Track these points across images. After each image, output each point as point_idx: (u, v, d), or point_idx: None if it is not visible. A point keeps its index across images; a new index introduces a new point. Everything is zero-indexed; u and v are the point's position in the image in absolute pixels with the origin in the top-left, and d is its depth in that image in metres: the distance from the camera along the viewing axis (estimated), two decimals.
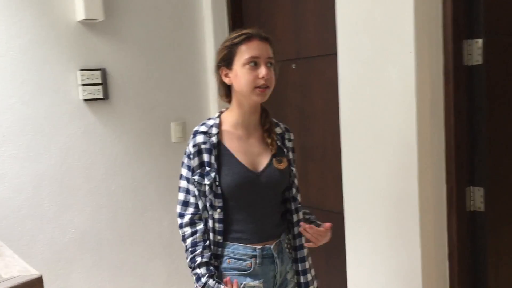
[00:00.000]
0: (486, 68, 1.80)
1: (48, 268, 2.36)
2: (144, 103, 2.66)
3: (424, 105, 1.80)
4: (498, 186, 1.91)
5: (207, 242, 1.53)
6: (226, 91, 1.61)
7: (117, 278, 2.59)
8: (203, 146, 1.53)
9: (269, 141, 1.59)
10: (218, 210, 1.52)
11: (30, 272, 1.03)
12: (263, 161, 1.57)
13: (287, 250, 1.63)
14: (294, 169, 1.64)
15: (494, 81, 1.85)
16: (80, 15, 2.37)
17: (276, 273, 1.58)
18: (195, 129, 1.58)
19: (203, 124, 1.59)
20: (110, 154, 2.54)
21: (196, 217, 1.55)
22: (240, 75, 1.51)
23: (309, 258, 1.70)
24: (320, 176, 2.47)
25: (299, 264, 1.64)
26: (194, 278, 1.51)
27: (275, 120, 1.68)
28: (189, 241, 1.54)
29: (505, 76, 1.91)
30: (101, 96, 2.49)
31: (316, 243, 1.55)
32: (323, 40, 2.35)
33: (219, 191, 1.52)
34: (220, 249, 1.55)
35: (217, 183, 1.51)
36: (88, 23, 2.45)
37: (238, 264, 1.54)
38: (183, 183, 1.57)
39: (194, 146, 1.54)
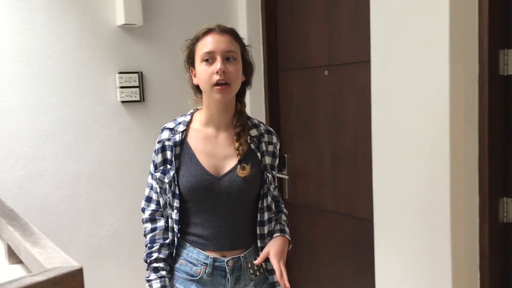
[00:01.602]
0: None
1: (83, 263, 2.42)
2: (178, 106, 2.72)
3: (458, 115, 1.79)
4: None
5: (167, 241, 1.49)
6: (199, 92, 1.53)
7: None
8: (167, 143, 1.48)
9: (236, 145, 1.47)
10: (175, 211, 1.47)
11: (71, 264, 1.08)
12: (228, 166, 1.47)
13: (250, 271, 1.51)
14: (270, 175, 1.51)
15: None
16: (120, 19, 2.46)
17: None
18: (164, 125, 1.54)
19: (174, 120, 1.54)
20: (145, 155, 2.62)
21: (157, 213, 1.51)
22: (198, 73, 1.44)
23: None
24: (350, 183, 2.47)
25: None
26: (149, 272, 1.49)
27: (256, 121, 1.57)
28: (148, 237, 1.51)
29: None
30: (137, 98, 2.57)
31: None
32: (357, 47, 2.36)
33: (177, 191, 1.46)
34: (176, 248, 1.51)
35: (175, 182, 1.46)
36: (127, 28, 2.53)
37: (188, 267, 1.48)
38: (149, 178, 1.55)
39: (159, 142, 1.50)
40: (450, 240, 1.81)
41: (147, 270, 1.50)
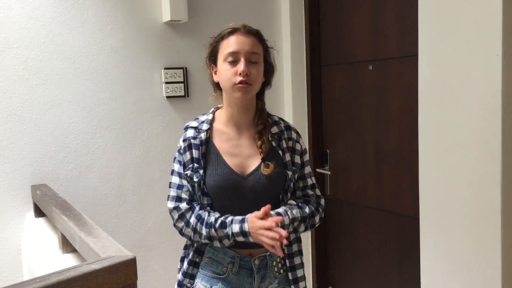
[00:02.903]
0: None
1: None
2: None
3: (511, 110, 1.73)
4: None
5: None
6: (219, 89, 1.54)
7: None
8: (193, 141, 1.47)
9: (258, 143, 1.47)
10: (208, 208, 1.46)
11: (125, 253, 1.12)
12: (253, 164, 1.47)
13: (275, 269, 1.51)
14: (290, 172, 1.49)
15: None
16: (166, 16, 2.50)
17: None
18: (187, 124, 1.53)
19: (196, 119, 1.54)
20: None
21: (191, 204, 1.46)
22: (220, 72, 1.45)
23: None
24: (394, 179, 2.43)
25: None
26: (224, 232, 1.38)
27: (276, 118, 1.57)
28: (192, 218, 1.43)
29: None
30: (182, 93, 2.61)
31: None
32: (402, 41, 2.32)
33: (206, 190, 1.45)
34: (204, 245, 1.49)
35: (204, 181, 1.45)
36: (173, 24, 2.58)
37: (214, 266, 1.47)
38: (175, 179, 1.49)
39: (184, 140, 1.48)
40: (500, 240, 1.76)
41: (211, 235, 1.40)
